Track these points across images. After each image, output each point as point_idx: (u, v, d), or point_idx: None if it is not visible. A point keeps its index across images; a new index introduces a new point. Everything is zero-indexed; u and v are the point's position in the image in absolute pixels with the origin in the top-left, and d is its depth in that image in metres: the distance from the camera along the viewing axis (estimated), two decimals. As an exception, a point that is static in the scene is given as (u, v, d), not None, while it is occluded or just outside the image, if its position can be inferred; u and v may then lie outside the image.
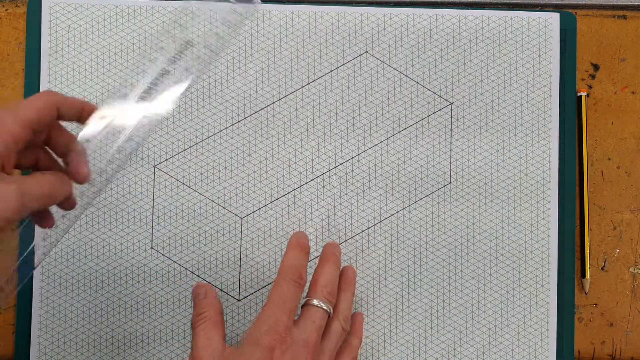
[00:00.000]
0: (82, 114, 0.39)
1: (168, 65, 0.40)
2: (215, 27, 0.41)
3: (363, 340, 0.49)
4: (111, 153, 0.41)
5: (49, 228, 0.41)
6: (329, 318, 0.43)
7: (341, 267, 0.47)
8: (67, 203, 0.40)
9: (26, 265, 0.43)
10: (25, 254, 0.44)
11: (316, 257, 0.50)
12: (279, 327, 0.40)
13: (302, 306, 0.43)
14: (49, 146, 0.40)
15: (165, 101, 0.39)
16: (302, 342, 0.40)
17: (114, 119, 0.39)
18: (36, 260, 0.42)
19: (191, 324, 0.43)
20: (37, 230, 0.43)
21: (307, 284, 0.44)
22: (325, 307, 0.43)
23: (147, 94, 0.40)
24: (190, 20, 0.40)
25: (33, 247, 0.42)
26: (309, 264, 0.45)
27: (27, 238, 0.44)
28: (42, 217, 0.40)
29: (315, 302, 0.43)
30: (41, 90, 0.49)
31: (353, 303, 0.47)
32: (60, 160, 0.40)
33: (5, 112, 0.36)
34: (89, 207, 0.44)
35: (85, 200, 0.41)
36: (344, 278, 0.46)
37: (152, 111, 0.40)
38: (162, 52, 0.40)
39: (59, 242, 0.48)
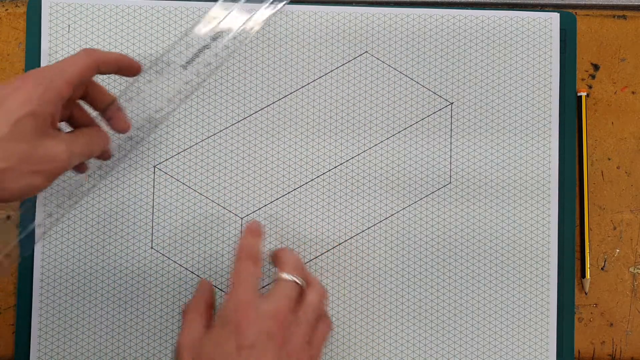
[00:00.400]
0: (119, 68, 0.43)
1: (210, 41, 0.46)
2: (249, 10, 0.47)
3: (363, 340, 0.49)
4: (149, 113, 0.48)
5: (81, 174, 0.47)
6: (302, 291, 0.42)
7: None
8: (104, 155, 0.46)
9: (27, 241, 0.48)
10: (27, 230, 0.48)
11: (317, 257, 0.50)
12: (242, 303, 0.39)
13: (273, 282, 0.42)
14: (86, 101, 0.44)
15: (205, 69, 0.47)
16: (269, 313, 0.39)
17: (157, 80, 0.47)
18: (38, 235, 0.47)
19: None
20: (40, 208, 0.48)
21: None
22: (295, 279, 0.41)
23: (189, 64, 0.47)
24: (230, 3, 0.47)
25: (34, 226, 0.47)
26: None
27: (28, 216, 0.49)
28: (79, 166, 0.46)
29: (283, 275, 0.42)
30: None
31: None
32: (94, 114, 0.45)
33: (53, 70, 0.39)
34: (125, 159, 0.49)
35: (122, 153, 0.48)
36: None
37: (193, 78, 0.47)
38: (208, 29, 0.47)
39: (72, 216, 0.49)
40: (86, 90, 0.43)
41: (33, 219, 0.48)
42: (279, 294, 0.41)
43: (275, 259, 0.44)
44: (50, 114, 0.38)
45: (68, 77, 0.39)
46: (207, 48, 0.46)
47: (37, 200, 0.48)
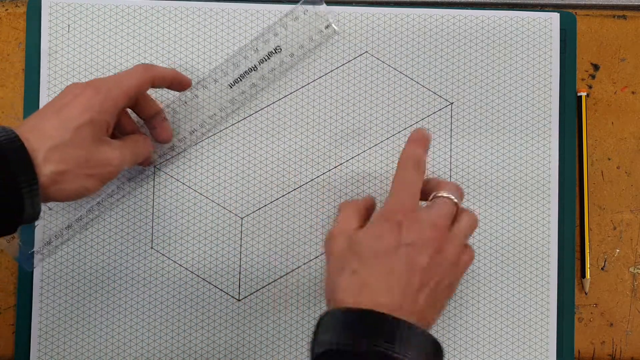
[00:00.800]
0: (171, 83, 0.46)
1: (258, 63, 0.48)
2: (302, 40, 0.49)
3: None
4: (192, 126, 0.49)
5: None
6: (458, 210, 0.42)
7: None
8: (145, 162, 0.48)
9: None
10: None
11: (317, 257, 0.50)
12: (405, 207, 0.40)
13: (430, 200, 0.42)
14: (135, 110, 0.47)
15: (250, 90, 0.49)
16: (429, 221, 0.40)
17: (203, 98, 0.49)
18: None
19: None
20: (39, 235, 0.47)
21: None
22: (453, 198, 0.42)
23: (236, 83, 0.49)
24: (283, 30, 0.48)
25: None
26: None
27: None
28: None
29: (442, 193, 0.42)
30: (41, 91, 0.50)
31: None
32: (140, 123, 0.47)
33: (111, 82, 0.43)
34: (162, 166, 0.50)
35: (160, 161, 0.50)
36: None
37: (237, 97, 0.49)
38: (256, 53, 0.48)
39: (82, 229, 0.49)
40: (136, 100, 0.45)
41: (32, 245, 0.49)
42: (439, 208, 0.41)
43: (434, 183, 0.44)
44: (106, 122, 0.42)
45: (125, 89, 0.43)
46: (254, 70, 0.48)
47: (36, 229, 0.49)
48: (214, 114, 0.49)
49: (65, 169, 0.39)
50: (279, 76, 0.49)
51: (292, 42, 0.49)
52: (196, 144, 0.50)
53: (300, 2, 0.48)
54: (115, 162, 0.42)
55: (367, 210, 0.44)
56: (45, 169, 0.38)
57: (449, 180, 0.50)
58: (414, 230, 0.39)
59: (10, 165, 0.37)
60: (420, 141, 0.43)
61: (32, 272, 0.49)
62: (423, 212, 0.41)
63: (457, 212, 0.42)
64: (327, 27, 0.48)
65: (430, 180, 0.44)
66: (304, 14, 0.49)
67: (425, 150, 0.43)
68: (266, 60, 0.48)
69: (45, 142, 0.39)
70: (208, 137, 0.50)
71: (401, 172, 0.42)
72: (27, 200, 0.38)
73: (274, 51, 0.48)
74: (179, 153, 0.50)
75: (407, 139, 0.43)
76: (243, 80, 0.49)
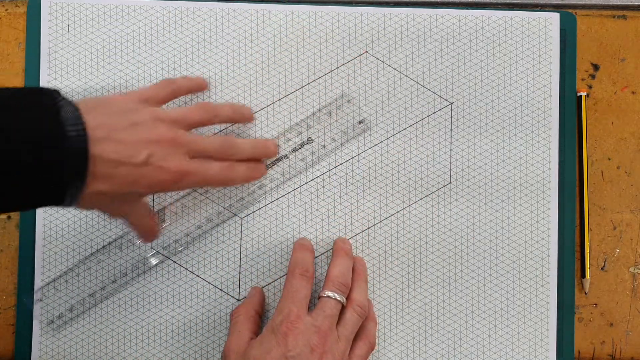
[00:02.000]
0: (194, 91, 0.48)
1: (289, 153, 0.50)
2: (332, 134, 0.50)
3: (363, 340, 0.49)
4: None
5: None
6: (344, 308, 0.46)
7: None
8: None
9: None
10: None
11: (317, 257, 0.50)
12: (291, 316, 0.43)
13: (318, 299, 0.45)
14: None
15: (278, 180, 0.50)
16: (314, 328, 0.43)
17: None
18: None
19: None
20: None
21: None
22: (337, 298, 0.45)
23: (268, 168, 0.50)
24: (315, 122, 0.50)
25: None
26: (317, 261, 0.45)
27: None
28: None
29: (327, 293, 0.45)
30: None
31: (366, 291, 0.49)
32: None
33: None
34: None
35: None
36: (354, 269, 0.48)
37: (267, 183, 0.50)
38: (287, 142, 0.50)
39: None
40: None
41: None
42: (322, 313, 0.44)
43: (328, 270, 0.47)
44: None
45: (189, 124, 0.43)
46: (286, 158, 0.49)
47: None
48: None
49: (111, 191, 0.39)
50: (310, 165, 0.50)
51: (324, 135, 0.50)
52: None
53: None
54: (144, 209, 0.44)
55: (258, 314, 0.48)
56: (94, 186, 0.37)
57: (449, 180, 0.50)
58: (299, 339, 0.42)
59: (64, 173, 0.36)
60: (304, 247, 0.48)
61: (32, 272, 0.49)
62: (308, 318, 0.43)
63: (344, 308, 0.45)
64: (360, 122, 0.50)
65: (331, 266, 0.47)
66: (338, 109, 0.50)
67: (312, 255, 0.48)
68: (298, 149, 0.49)
69: (109, 160, 0.38)
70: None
71: (288, 280, 0.46)
72: (66, 200, 0.37)
73: (306, 142, 0.49)
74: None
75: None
76: (273, 167, 0.50)
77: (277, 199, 0.50)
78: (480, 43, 0.51)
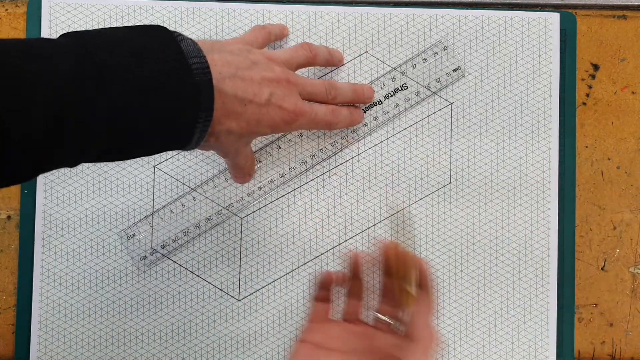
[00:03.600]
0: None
1: (383, 98, 0.50)
2: (428, 81, 0.50)
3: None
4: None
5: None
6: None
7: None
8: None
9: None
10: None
11: (317, 257, 0.50)
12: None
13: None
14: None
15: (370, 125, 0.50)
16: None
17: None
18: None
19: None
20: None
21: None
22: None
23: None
24: (411, 69, 0.50)
25: None
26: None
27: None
28: None
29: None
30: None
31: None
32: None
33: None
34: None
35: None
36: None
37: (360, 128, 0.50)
38: (382, 88, 0.50)
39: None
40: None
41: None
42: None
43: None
44: None
45: (297, 65, 0.45)
46: (379, 104, 0.50)
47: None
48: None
49: (238, 130, 0.39)
50: (403, 112, 0.50)
51: (419, 81, 0.50)
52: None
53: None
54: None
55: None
56: (226, 124, 0.38)
57: (449, 180, 0.50)
58: None
59: (201, 104, 0.36)
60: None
61: (32, 272, 0.49)
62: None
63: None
64: (455, 69, 0.50)
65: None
66: (434, 56, 0.50)
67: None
68: (391, 96, 0.50)
69: (240, 98, 0.38)
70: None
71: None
72: (195, 137, 0.37)
73: (400, 88, 0.50)
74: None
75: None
76: (366, 112, 0.50)
77: (277, 199, 0.50)
78: (480, 43, 0.51)
